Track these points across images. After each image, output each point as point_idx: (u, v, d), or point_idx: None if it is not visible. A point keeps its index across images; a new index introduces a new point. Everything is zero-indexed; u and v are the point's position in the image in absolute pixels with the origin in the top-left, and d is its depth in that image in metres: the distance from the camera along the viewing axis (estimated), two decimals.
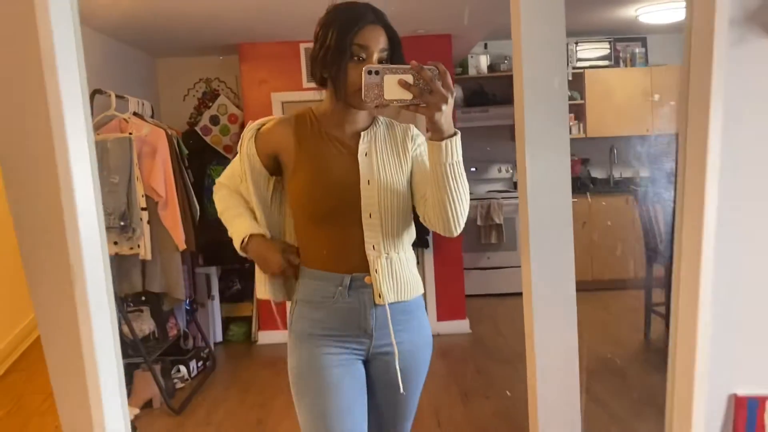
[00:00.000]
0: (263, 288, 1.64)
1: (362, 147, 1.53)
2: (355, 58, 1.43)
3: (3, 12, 1.30)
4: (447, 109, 1.27)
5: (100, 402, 1.40)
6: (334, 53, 1.43)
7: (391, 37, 1.46)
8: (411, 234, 1.62)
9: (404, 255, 1.59)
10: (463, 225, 1.46)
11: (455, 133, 1.33)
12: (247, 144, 1.59)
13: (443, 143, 1.31)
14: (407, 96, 1.27)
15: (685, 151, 1.47)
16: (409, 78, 1.27)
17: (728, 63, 1.41)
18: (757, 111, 1.50)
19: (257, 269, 1.64)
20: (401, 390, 1.57)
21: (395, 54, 1.46)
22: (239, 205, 1.65)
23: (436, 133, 1.31)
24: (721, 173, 1.44)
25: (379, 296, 1.53)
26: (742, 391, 1.57)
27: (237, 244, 1.60)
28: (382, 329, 1.55)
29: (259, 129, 1.61)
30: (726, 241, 1.50)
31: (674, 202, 1.52)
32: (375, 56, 1.43)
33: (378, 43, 1.44)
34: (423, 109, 1.28)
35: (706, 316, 1.46)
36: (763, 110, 1.51)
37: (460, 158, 1.36)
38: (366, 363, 1.60)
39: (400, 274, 1.56)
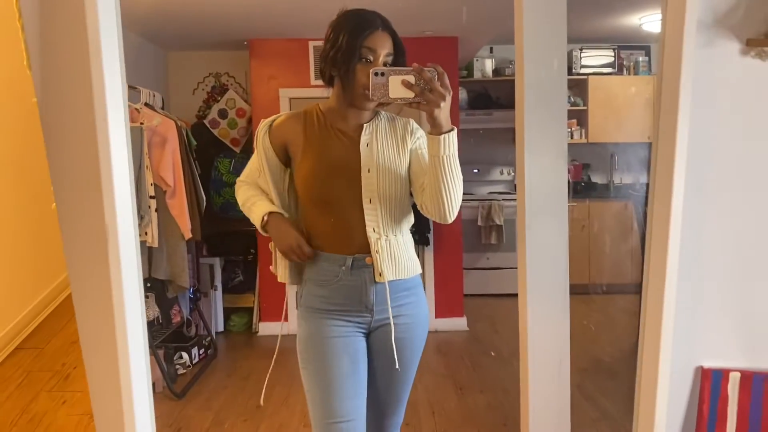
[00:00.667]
0: (283, 272, 1.77)
1: (364, 138, 1.67)
2: (363, 60, 1.57)
3: (57, 13, 1.44)
4: (445, 106, 1.42)
5: (129, 368, 1.52)
6: (344, 54, 1.57)
7: (395, 43, 1.62)
8: (409, 219, 1.75)
9: (402, 238, 1.72)
10: (456, 212, 1.59)
11: (452, 129, 1.47)
12: (262, 138, 1.72)
13: (441, 137, 1.45)
14: (410, 94, 1.43)
15: (657, 147, 1.59)
16: (411, 78, 1.42)
17: (697, 63, 1.52)
18: (723, 110, 1.62)
19: (278, 254, 1.75)
20: (399, 363, 1.70)
21: (398, 58, 1.62)
22: (258, 194, 1.78)
23: (435, 128, 1.46)
24: (688, 165, 1.57)
25: (380, 274, 1.66)
26: (708, 363, 1.69)
27: (258, 224, 1.73)
28: (382, 304, 1.68)
29: (271, 124, 1.74)
30: (691, 223, 1.63)
31: (645, 196, 1.66)
32: (381, 59, 1.57)
33: (384, 47, 1.58)
34: (424, 106, 1.43)
35: (672, 292, 1.58)
36: (729, 110, 1.63)
37: (456, 151, 1.50)
38: (368, 336, 1.73)
39: (398, 255, 1.69)
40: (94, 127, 1.43)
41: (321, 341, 1.67)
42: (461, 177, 1.56)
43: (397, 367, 1.70)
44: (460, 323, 4.85)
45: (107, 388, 1.55)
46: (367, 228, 1.65)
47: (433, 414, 3.28)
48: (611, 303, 5.45)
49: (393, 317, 1.69)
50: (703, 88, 1.55)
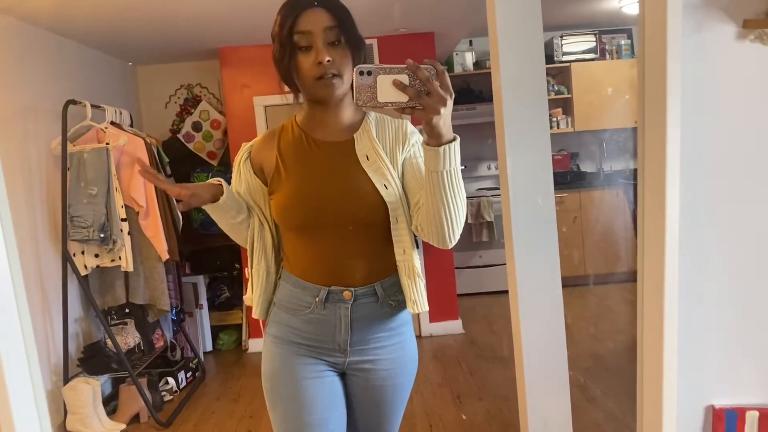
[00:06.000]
0: (255, 308, 1.55)
1: (360, 148, 1.43)
2: (302, 49, 1.35)
3: None
4: (446, 112, 1.16)
5: None
6: (281, 53, 1.37)
7: (336, 14, 1.36)
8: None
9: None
10: (458, 237, 1.36)
11: (454, 138, 1.22)
12: (243, 164, 1.52)
13: (441, 149, 1.20)
14: (403, 98, 1.16)
15: (644, 151, 1.36)
16: (404, 78, 1.16)
17: (684, 52, 1.29)
18: (718, 103, 1.39)
19: (252, 282, 1.55)
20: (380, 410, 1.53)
21: (345, 28, 1.36)
22: None
23: (433, 138, 1.20)
24: (683, 170, 1.33)
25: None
26: (720, 401, 1.46)
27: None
28: (357, 345, 1.47)
29: (251, 149, 1.53)
30: (689, 240, 1.37)
31: (634, 203, 1.44)
32: (321, 38, 1.34)
33: (319, 23, 1.34)
34: (420, 112, 1.16)
35: (673, 323, 1.34)
36: (726, 104, 1.40)
37: (459, 165, 1.25)
38: (343, 375, 1.53)
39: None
40: None
41: (290, 383, 1.46)
42: (465, 195, 1.30)
43: (378, 414, 1.52)
44: (455, 326, 4.71)
45: None
46: (346, 258, 1.44)
47: (431, 427, 3.14)
48: (609, 294, 5.34)
49: (371, 361, 1.49)
50: (693, 81, 1.31)
